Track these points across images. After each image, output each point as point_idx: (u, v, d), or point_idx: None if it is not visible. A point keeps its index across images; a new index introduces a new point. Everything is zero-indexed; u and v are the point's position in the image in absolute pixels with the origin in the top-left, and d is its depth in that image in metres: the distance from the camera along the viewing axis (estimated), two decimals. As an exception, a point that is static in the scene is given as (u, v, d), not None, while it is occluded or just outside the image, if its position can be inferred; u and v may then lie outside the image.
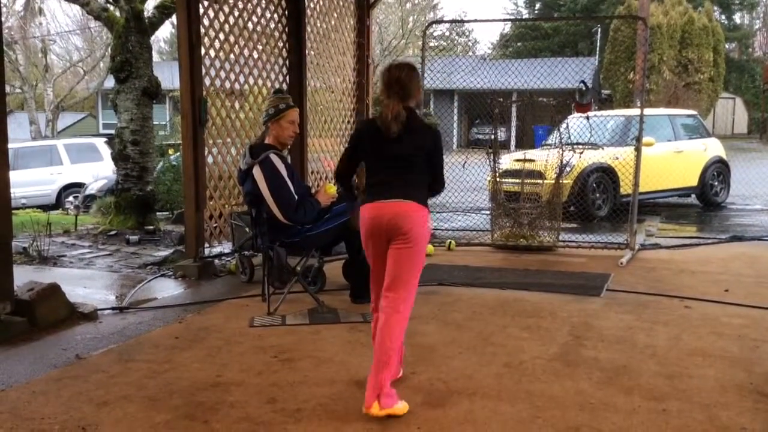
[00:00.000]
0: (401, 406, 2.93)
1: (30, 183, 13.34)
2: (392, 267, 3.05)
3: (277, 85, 6.93)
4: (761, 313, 4.56)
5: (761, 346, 3.87)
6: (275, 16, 6.98)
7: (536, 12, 42.51)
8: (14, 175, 4.45)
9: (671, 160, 10.25)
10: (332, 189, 4.81)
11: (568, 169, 7.63)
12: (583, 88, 7.00)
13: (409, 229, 3.03)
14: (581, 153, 7.47)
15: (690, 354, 3.74)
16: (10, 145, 4.29)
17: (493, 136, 7.38)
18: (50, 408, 3.06)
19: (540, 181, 7.73)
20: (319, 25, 7.59)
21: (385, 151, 3.13)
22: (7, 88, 4.18)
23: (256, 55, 6.78)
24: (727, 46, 33.53)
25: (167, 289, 5.41)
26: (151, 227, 7.98)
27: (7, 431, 2.83)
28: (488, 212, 7.60)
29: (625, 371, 3.47)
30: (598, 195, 9.57)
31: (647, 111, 7.29)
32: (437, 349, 3.84)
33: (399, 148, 3.10)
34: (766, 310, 4.61)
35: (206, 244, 6.09)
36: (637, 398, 3.13)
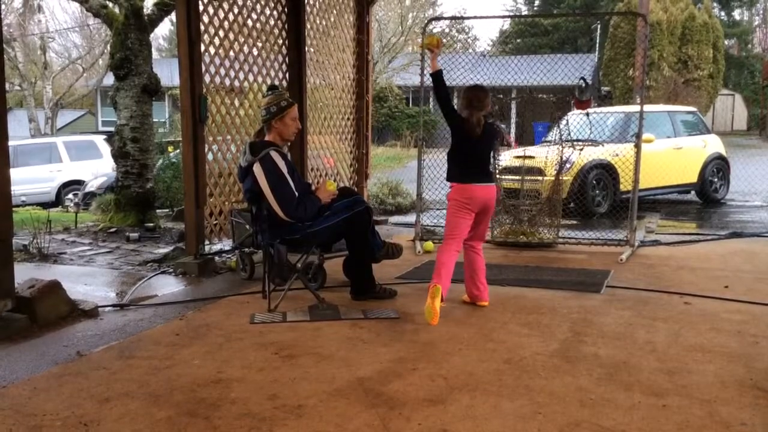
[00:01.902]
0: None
1: (30, 180, 13.35)
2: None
3: (276, 82, 6.93)
4: (761, 309, 4.57)
5: (761, 342, 3.88)
6: (275, 12, 6.98)
7: (535, 9, 42.50)
8: (14, 173, 4.45)
9: (671, 157, 10.26)
10: (332, 186, 4.81)
11: (567, 165, 7.64)
12: (583, 85, 6.98)
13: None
14: (581, 150, 7.48)
15: (690, 350, 3.75)
16: (9, 143, 4.28)
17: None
18: (51, 404, 3.06)
19: (540, 178, 7.74)
20: (318, 21, 7.59)
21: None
22: (7, 86, 4.17)
23: (255, 52, 6.77)
24: (726, 42, 33.50)
25: (168, 286, 5.42)
26: (152, 224, 7.98)
27: (9, 427, 2.83)
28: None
29: (625, 367, 3.48)
30: (597, 192, 9.58)
31: (647, 107, 7.30)
32: (437, 345, 3.84)
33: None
34: (765, 306, 4.62)
35: (206, 241, 6.09)
36: (638, 394, 3.14)
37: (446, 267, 4.43)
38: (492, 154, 4.94)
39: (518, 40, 39.61)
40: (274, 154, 4.61)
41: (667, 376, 3.35)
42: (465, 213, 4.52)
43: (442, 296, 4.26)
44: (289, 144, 5.06)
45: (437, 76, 4.73)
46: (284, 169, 4.60)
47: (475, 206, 4.52)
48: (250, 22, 6.65)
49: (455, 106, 4.70)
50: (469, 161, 4.60)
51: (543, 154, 7.63)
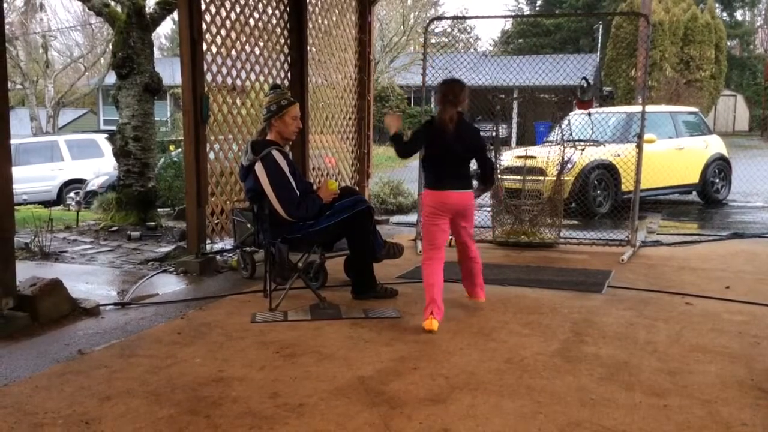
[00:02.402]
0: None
1: (31, 179, 13.36)
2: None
3: (278, 81, 6.93)
4: (762, 309, 4.57)
5: (762, 343, 3.88)
6: (276, 12, 6.98)
7: (537, 9, 42.46)
8: (15, 171, 4.45)
9: (672, 157, 10.25)
10: (334, 185, 4.82)
11: (569, 165, 7.64)
12: (585, 85, 6.99)
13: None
14: (582, 150, 7.47)
15: (691, 350, 3.75)
16: (11, 141, 4.29)
17: (494, 133, 7.38)
18: (53, 403, 3.07)
19: (541, 178, 7.73)
20: (320, 21, 7.59)
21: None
22: (9, 84, 4.16)
23: (257, 52, 6.78)
24: (728, 43, 33.46)
25: (169, 284, 5.42)
26: (153, 223, 7.99)
27: (10, 426, 2.84)
28: (489, 209, 7.61)
29: (626, 367, 3.48)
30: (599, 192, 9.57)
31: (649, 108, 7.30)
32: (438, 344, 3.85)
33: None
34: (766, 307, 4.61)
35: (208, 240, 6.10)
36: (639, 394, 3.14)
37: (436, 287, 4.18)
38: (476, 157, 4.46)
39: (520, 40, 39.55)
40: (276, 154, 4.61)
41: (668, 377, 3.35)
42: (439, 219, 4.29)
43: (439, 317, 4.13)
44: (290, 143, 5.06)
45: (397, 138, 4.39)
46: (286, 169, 4.61)
47: (449, 212, 4.31)
48: (252, 21, 6.66)
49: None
50: (443, 165, 4.30)
51: (544, 154, 7.63)
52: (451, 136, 4.23)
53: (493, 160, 7.15)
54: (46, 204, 12.28)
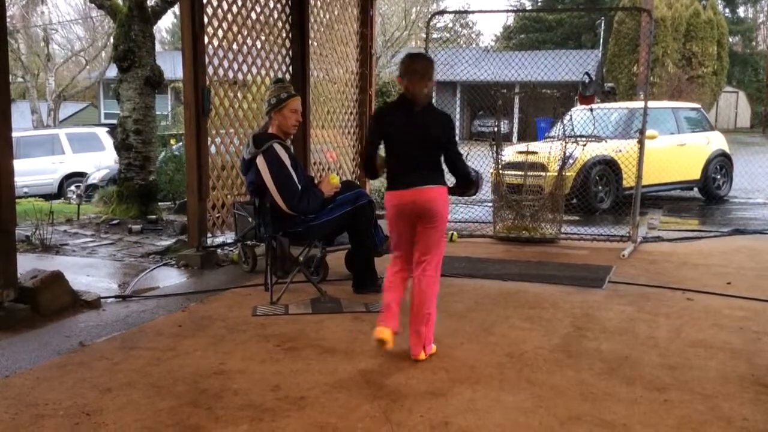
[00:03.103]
0: (434, 348, 3.59)
1: (32, 172, 13.35)
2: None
3: (280, 75, 6.92)
4: (763, 305, 4.57)
5: (763, 338, 3.88)
6: (278, 5, 6.96)
7: (539, 4, 42.34)
8: (16, 164, 4.44)
9: (674, 153, 10.23)
10: (335, 179, 4.81)
11: (570, 161, 7.62)
12: (587, 80, 6.98)
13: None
14: (584, 145, 7.46)
15: (692, 345, 3.75)
16: (12, 134, 4.28)
17: (495, 128, 7.37)
18: (54, 394, 3.07)
19: (542, 174, 7.72)
20: (322, 15, 7.57)
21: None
22: (10, 77, 4.16)
23: (259, 45, 6.76)
24: (730, 39, 33.39)
25: (170, 278, 5.42)
26: (154, 216, 7.99)
27: (12, 416, 2.84)
28: (490, 204, 7.60)
29: (627, 362, 3.48)
30: (600, 187, 9.56)
31: (650, 104, 7.29)
32: (439, 339, 3.84)
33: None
34: (767, 303, 4.61)
35: (209, 234, 6.10)
36: (639, 388, 3.14)
37: (390, 293, 3.56)
38: (444, 153, 3.59)
39: (522, 36, 39.47)
40: (278, 147, 4.61)
41: (669, 371, 3.35)
42: (398, 221, 3.54)
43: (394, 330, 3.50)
44: (291, 137, 5.05)
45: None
46: (287, 162, 4.60)
47: (406, 213, 3.49)
48: (253, 15, 6.64)
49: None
50: (403, 158, 3.51)
51: (546, 150, 7.62)
52: (417, 121, 3.47)
53: (495, 155, 7.17)
54: (47, 197, 12.27)
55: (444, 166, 3.61)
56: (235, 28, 6.40)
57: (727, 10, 38.31)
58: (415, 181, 3.46)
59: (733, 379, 3.27)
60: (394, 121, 3.53)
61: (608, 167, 9.52)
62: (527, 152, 7.78)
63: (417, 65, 3.54)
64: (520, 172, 7.71)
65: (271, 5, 6.87)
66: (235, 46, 6.44)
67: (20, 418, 2.83)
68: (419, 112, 3.50)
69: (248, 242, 5.55)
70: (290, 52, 7.15)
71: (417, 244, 3.52)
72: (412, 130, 3.48)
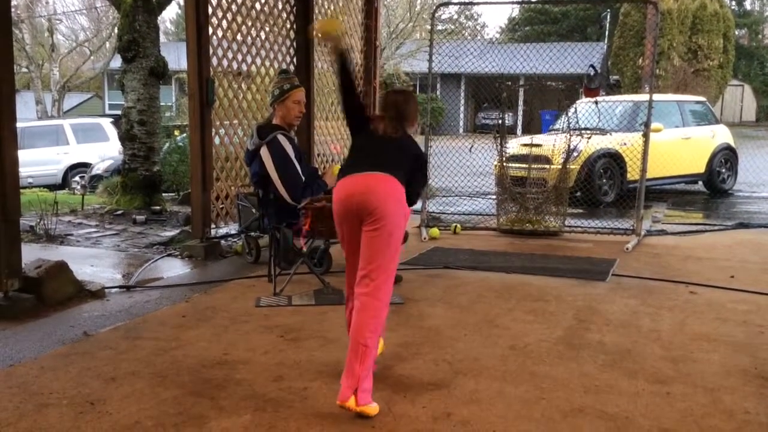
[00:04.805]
0: (373, 407, 2.73)
1: (36, 163, 13.38)
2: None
3: (284, 66, 6.91)
4: (766, 299, 4.56)
5: (766, 332, 3.88)
6: (283, -4, 6.94)
7: (545, -4, 42.06)
8: (21, 155, 4.45)
9: (679, 147, 10.20)
10: (339, 171, 4.81)
11: (575, 154, 7.61)
12: (592, 73, 6.95)
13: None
14: (588, 138, 7.44)
15: (694, 339, 3.75)
16: (17, 125, 4.29)
17: (500, 121, 7.36)
18: (59, 383, 3.09)
19: (547, 166, 7.71)
20: (326, 5, 7.54)
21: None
22: (14, 68, 4.16)
23: (263, 36, 6.74)
24: (737, 32, 33.18)
25: (174, 268, 5.44)
26: (158, 207, 8.00)
27: (16, 405, 2.86)
28: (494, 197, 7.59)
29: (630, 355, 3.48)
30: (604, 181, 9.54)
31: (656, 97, 7.25)
32: (442, 331, 3.85)
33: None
34: (771, 297, 4.61)
35: (213, 225, 6.10)
36: (642, 381, 3.14)
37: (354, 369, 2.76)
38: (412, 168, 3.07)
39: (527, 28, 39.32)
40: (282, 138, 4.61)
41: (672, 364, 3.35)
42: (342, 226, 3.01)
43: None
44: (295, 128, 5.05)
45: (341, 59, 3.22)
46: (291, 153, 4.61)
47: (343, 212, 2.95)
48: (258, 6, 6.62)
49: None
50: (362, 153, 3.08)
51: (550, 143, 7.60)
52: (385, 138, 3.06)
53: (499, 147, 7.15)
54: (51, 188, 12.30)
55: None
56: (239, 19, 6.38)
57: (733, 3, 38.07)
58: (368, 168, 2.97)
59: (736, 372, 3.27)
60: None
61: (613, 160, 9.49)
62: (531, 145, 7.77)
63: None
64: (524, 165, 7.70)
65: (276, -4, 6.84)
66: (239, 37, 6.42)
67: (25, 407, 2.84)
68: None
69: (252, 233, 5.56)
70: (294, 43, 7.13)
71: (363, 252, 2.90)
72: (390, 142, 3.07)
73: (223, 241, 6.16)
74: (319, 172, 5.05)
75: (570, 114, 7.30)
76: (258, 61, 6.71)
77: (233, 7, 6.28)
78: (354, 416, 2.75)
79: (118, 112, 10.37)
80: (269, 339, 3.70)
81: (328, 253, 5.18)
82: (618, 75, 27.66)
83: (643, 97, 10.04)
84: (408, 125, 3.13)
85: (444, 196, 9.29)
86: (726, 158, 11.05)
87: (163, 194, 8.86)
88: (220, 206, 6.23)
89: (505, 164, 7.21)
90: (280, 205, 4.62)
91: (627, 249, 6.16)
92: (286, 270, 4.72)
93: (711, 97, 24.29)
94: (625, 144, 9.04)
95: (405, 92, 3.30)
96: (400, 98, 3.16)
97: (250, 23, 6.53)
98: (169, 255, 5.85)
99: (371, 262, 2.85)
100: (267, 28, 6.78)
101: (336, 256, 5.26)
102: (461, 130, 25.67)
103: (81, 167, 14.02)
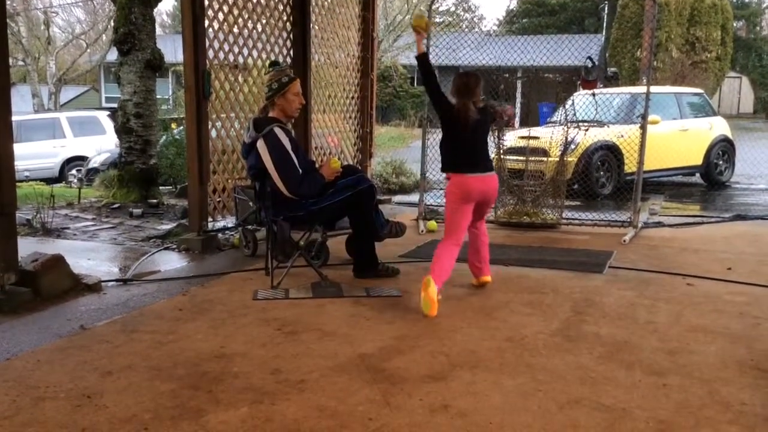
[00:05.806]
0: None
1: (33, 156, 13.35)
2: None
3: (281, 59, 6.88)
4: (763, 291, 4.57)
5: (763, 324, 3.88)
6: (279, -12, 6.90)
7: (543, -12, 41.97)
8: (17, 148, 4.43)
9: (676, 139, 10.21)
10: (337, 164, 4.80)
11: (572, 146, 7.60)
12: (590, 65, 6.94)
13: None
14: (586, 131, 7.44)
15: (691, 330, 3.76)
16: (12, 118, 4.27)
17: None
18: (55, 377, 3.08)
19: (544, 159, 7.71)
20: (323, -3, 7.51)
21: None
22: (10, 61, 4.15)
23: (259, 29, 6.72)
24: (735, 24, 33.12)
25: (171, 262, 5.43)
26: (155, 200, 7.99)
27: (13, 399, 2.86)
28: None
29: (627, 346, 3.49)
30: (602, 173, 9.54)
31: (653, 89, 7.24)
32: (439, 323, 3.86)
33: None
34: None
35: (210, 218, 6.09)
36: (638, 373, 3.15)
37: (440, 262, 4.16)
38: (489, 137, 4.59)
39: (525, 20, 39.19)
40: (278, 131, 4.59)
41: (668, 356, 3.36)
42: (464, 206, 4.31)
43: (439, 290, 4.00)
44: (293, 121, 5.04)
45: (423, 59, 4.44)
46: (288, 146, 4.59)
47: (474, 198, 4.32)
48: (254, -2, 6.59)
49: (444, 93, 4.43)
50: (463, 150, 4.35)
51: (548, 135, 7.60)
52: (471, 124, 4.29)
53: (496, 140, 7.14)
54: (48, 181, 12.28)
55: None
56: (235, 11, 6.35)
57: (731, -6, 37.98)
58: (483, 168, 4.36)
59: (732, 364, 3.27)
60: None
61: (610, 152, 9.50)
62: (529, 137, 7.76)
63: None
64: (521, 157, 7.69)
65: (272, -12, 6.81)
66: (235, 30, 6.39)
67: (21, 401, 2.84)
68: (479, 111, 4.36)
69: (249, 226, 5.55)
70: (291, 36, 7.11)
71: (478, 213, 4.47)
72: (476, 127, 4.35)
73: (220, 235, 6.16)
74: (317, 165, 5.03)
75: (567, 106, 7.30)
76: (254, 53, 6.68)
77: (229, -1, 6.25)
78: (351, 409, 2.76)
79: (115, 105, 10.33)
80: (266, 332, 3.70)
81: (326, 246, 5.17)
82: (616, 67, 27.63)
83: (641, 89, 10.03)
84: (475, 96, 4.29)
85: (441, 189, 9.26)
86: (723, 150, 11.06)
87: (160, 187, 8.84)
88: (218, 199, 6.22)
89: (502, 156, 7.21)
90: (278, 197, 4.61)
91: (624, 241, 6.17)
92: (283, 263, 4.71)
93: (709, 88, 24.28)
94: (622, 136, 9.03)
95: (468, 74, 4.39)
96: (469, 80, 4.30)
97: (246, 15, 6.50)
98: (166, 248, 5.84)
99: (483, 216, 4.61)
100: (263, 21, 6.75)
101: (333, 249, 5.26)
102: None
103: (78, 160, 14.00)
